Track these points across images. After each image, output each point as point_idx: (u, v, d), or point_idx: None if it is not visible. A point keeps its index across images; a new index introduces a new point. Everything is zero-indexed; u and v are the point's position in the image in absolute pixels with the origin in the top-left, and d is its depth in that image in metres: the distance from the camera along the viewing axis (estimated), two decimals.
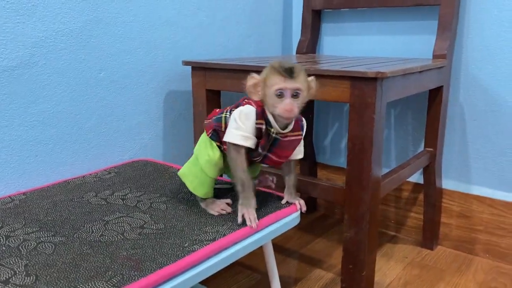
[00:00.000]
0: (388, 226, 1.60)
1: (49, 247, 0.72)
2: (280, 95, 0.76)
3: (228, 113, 0.86)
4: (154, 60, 1.24)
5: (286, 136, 0.82)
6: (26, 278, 0.63)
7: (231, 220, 0.82)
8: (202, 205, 0.89)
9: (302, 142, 0.88)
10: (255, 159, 0.85)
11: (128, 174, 1.07)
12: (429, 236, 1.45)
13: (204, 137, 0.90)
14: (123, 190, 0.97)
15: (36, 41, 0.99)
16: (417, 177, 1.51)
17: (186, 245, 0.73)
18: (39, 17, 0.99)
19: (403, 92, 1.06)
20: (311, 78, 0.81)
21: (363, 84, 0.92)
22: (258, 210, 0.84)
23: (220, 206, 0.87)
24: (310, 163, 1.68)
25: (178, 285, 0.67)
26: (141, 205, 0.89)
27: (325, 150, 1.71)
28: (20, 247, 0.72)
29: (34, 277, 0.63)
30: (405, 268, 1.36)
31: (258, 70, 1.08)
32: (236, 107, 0.84)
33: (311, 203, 1.74)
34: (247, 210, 0.81)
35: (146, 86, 1.24)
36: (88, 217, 0.84)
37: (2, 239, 0.75)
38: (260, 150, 0.82)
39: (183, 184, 1.00)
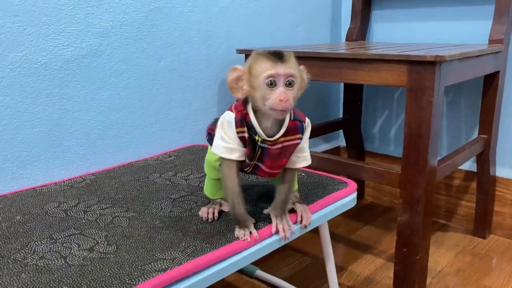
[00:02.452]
0: (438, 214, 1.59)
1: (124, 221, 0.78)
2: (271, 84, 0.64)
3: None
4: (210, 48, 1.29)
5: (276, 143, 0.70)
6: (107, 246, 0.69)
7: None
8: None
9: (305, 147, 0.75)
10: (245, 170, 0.76)
11: (187, 157, 1.12)
12: (482, 225, 1.44)
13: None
14: (185, 172, 1.02)
15: (103, 31, 1.05)
16: (469, 165, 1.49)
17: (253, 222, 0.76)
18: (106, 7, 1.05)
19: (460, 77, 1.06)
20: (302, 67, 0.70)
21: (421, 68, 0.92)
22: (314, 191, 0.87)
23: (207, 211, 0.79)
24: (358, 151, 1.69)
25: (245, 257, 0.71)
26: (203, 185, 0.94)
27: (374, 138, 1.71)
28: (98, 220, 0.78)
29: (115, 246, 0.69)
30: (457, 256, 1.35)
31: (314, 57, 1.11)
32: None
33: (358, 191, 1.75)
34: (245, 231, 0.72)
35: (202, 74, 1.28)
36: (155, 195, 0.89)
37: (81, 213, 0.81)
38: (247, 160, 0.72)
39: None
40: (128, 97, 1.13)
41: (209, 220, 0.77)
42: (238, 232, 0.72)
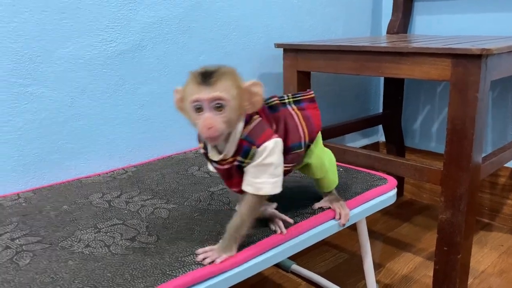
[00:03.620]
0: (482, 213, 1.53)
1: (164, 212, 0.80)
2: (198, 108, 0.59)
3: None
4: (248, 43, 1.29)
5: (224, 163, 0.65)
6: (149, 237, 0.71)
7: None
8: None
9: (254, 172, 0.64)
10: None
11: None
12: None
13: None
14: None
15: (145, 26, 1.07)
16: None
17: (288, 216, 0.76)
18: (148, 3, 1.07)
19: (507, 71, 1.01)
20: (252, 82, 0.62)
21: (466, 62, 0.89)
22: (353, 187, 0.86)
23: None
24: (398, 147, 1.65)
25: (283, 251, 0.71)
26: None
27: (414, 134, 1.67)
28: (139, 211, 0.80)
29: (156, 237, 0.71)
30: (501, 256, 1.31)
31: (354, 51, 1.10)
32: None
33: (398, 188, 1.71)
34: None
35: (241, 69, 1.27)
36: (194, 188, 0.91)
37: (123, 204, 0.84)
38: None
39: None
40: (169, 91, 1.15)
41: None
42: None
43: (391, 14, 1.57)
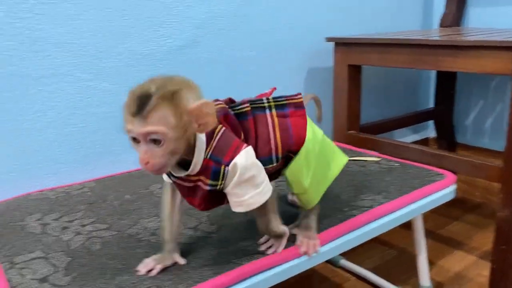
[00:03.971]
0: None
1: None
2: (134, 139, 0.52)
3: None
4: (299, 37, 1.29)
5: (186, 180, 0.58)
6: (210, 226, 0.73)
7: (386, 191, 0.84)
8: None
9: (237, 192, 0.57)
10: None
11: None
12: None
13: None
14: None
15: (200, 22, 1.10)
16: None
17: (345, 210, 0.77)
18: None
19: None
20: (201, 103, 0.52)
21: None
22: (409, 182, 0.85)
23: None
24: (449, 143, 1.62)
25: (341, 245, 0.71)
26: None
27: (466, 130, 1.62)
28: None
29: (217, 226, 0.73)
30: None
31: (408, 44, 1.08)
32: None
33: None
34: (154, 267, 0.60)
35: (291, 63, 1.30)
36: None
37: None
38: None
39: None
40: (221, 86, 1.17)
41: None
42: (146, 261, 0.61)
43: (443, 7, 1.53)
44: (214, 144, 0.56)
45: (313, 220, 0.69)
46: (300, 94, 0.67)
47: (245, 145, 0.58)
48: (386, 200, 0.80)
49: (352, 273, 1.21)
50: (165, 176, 0.62)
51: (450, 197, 0.88)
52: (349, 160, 1.00)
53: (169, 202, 0.63)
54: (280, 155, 0.63)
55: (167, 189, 0.63)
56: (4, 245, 0.69)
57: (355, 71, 1.25)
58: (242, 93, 1.21)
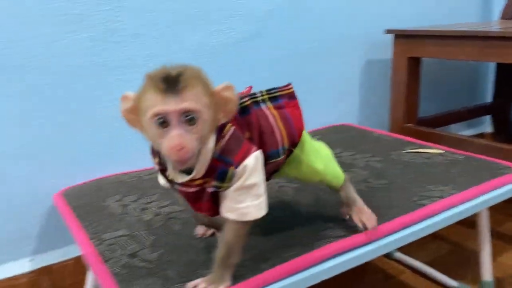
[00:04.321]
0: None
1: (289, 190, 0.84)
2: (162, 123, 0.46)
3: None
4: (358, 29, 1.30)
5: (189, 185, 0.54)
6: (281, 211, 0.75)
7: (454, 182, 0.83)
8: None
9: (235, 197, 0.54)
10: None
11: (334, 136, 1.16)
12: None
13: None
14: (336, 149, 1.05)
15: (263, 14, 1.12)
16: None
17: (415, 199, 0.77)
18: None
19: None
20: (224, 85, 0.50)
21: None
22: (476, 175, 0.84)
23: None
24: (506, 139, 1.57)
25: (413, 233, 0.72)
26: (357, 162, 0.97)
27: None
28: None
29: (290, 212, 0.75)
30: None
31: (470, 36, 1.06)
32: None
33: None
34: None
35: (349, 56, 1.30)
36: None
37: None
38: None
39: (393, 147, 1.05)
40: (280, 77, 1.18)
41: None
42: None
43: None
44: (223, 144, 0.53)
45: (352, 191, 0.68)
46: (290, 84, 0.64)
47: (254, 148, 0.55)
48: (455, 192, 0.79)
49: (407, 266, 1.21)
50: (162, 181, 0.58)
51: None
52: (412, 151, 1.00)
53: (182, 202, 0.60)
54: (286, 146, 0.61)
55: (176, 193, 0.59)
56: (91, 223, 0.74)
57: (414, 64, 1.24)
58: (300, 85, 1.22)
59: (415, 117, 1.29)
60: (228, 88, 0.50)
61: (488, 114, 1.58)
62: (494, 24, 1.26)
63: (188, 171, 0.52)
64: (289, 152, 0.62)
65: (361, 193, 0.80)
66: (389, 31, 1.24)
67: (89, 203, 0.81)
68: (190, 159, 0.47)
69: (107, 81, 0.95)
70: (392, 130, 1.29)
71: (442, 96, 1.56)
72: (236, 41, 1.09)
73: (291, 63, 1.20)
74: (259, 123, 0.58)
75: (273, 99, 0.62)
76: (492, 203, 0.83)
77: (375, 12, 1.32)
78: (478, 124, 1.71)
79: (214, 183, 0.52)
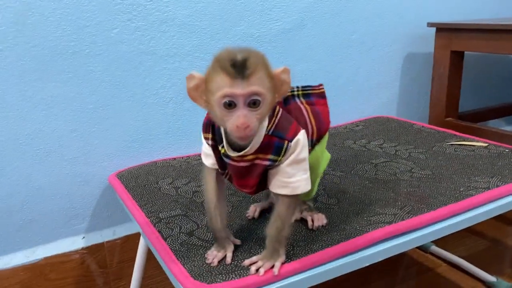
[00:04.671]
0: None
1: (335, 178, 0.86)
2: (229, 104, 0.51)
3: None
4: (399, 22, 1.30)
5: (242, 160, 0.57)
6: (329, 199, 0.77)
7: (500, 174, 0.84)
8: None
9: (289, 171, 0.57)
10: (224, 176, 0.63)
11: (375, 127, 1.16)
12: None
13: None
14: (378, 140, 1.06)
15: (307, 6, 1.14)
16: None
17: (461, 189, 0.78)
18: None
19: None
20: (282, 69, 0.54)
21: None
22: (504, 170, 0.84)
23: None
24: None
25: (458, 223, 0.73)
26: (400, 153, 0.98)
27: None
28: None
29: (336, 199, 0.77)
30: None
31: None
32: None
33: None
34: (216, 254, 0.60)
35: (389, 48, 1.30)
36: (356, 159, 0.95)
37: None
38: (219, 169, 0.61)
39: (435, 139, 1.05)
40: (321, 69, 1.20)
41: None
42: (209, 252, 0.61)
43: None
44: (276, 121, 0.57)
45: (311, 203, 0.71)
46: (321, 85, 0.69)
47: (300, 127, 0.59)
48: (502, 183, 0.80)
49: (443, 259, 1.21)
50: (208, 161, 0.61)
51: None
52: (456, 144, 1.01)
53: (215, 189, 0.61)
54: (314, 140, 0.65)
55: (211, 176, 0.61)
56: (146, 203, 0.77)
57: (457, 58, 1.24)
58: (340, 76, 1.24)
59: (456, 112, 1.28)
60: (285, 71, 0.55)
61: None
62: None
63: (239, 148, 0.56)
64: (312, 147, 0.66)
65: (406, 183, 0.82)
66: (431, 24, 1.24)
67: (143, 184, 0.85)
68: (252, 136, 0.54)
69: (155, 69, 0.99)
70: (432, 123, 1.29)
71: (484, 91, 1.55)
72: (279, 32, 1.11)
73: (333, 54, 1.21)
74: (295, 114, 0.63)
75: (306, 95, 0.67)
76: None
77: (419, 4, 1.32)
78: None
79: (270, 156, 0.57)
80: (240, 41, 1.07)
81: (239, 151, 0.56)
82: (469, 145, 1.00)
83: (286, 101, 0.65)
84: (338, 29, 1.20)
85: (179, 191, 0.82)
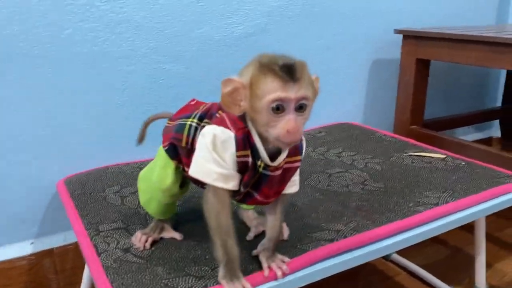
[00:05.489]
0: None
1: None
2: (278, 109, 0.50)
3: (195, 121, 0.61)
4: (367, 28, 1.29)
5: (278, 168, 0.56)
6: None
7: (452, 189, 0.83)
8: (154, 221, 0.69)
9: (298, 170, 0.61)
10: (234, 199, 0.60)
11: (337, 134, 1.15)
12: None
13: (161, 147, 0.66)
14: (337, 148, 1.05)
15: (271, 10, 1.12)
16: None
17: (410, 205, 0.77)
18: None
19: None
20: (315, 77, 0.55)
21: None
22: (477, 182, 0.84)
23: (140, 240, 0.66)
24: None
25: (404, 240, 0.72)
26: (357, 163, 0.97)
27: None
28: None
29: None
30: None
31: (481, 41, 1.05)
32: (208, 114, 0.60)
33: None
34: (235, 285, 0.56)
35: (356, 54, 1.29)
36: (312, 169, 0.94)
37: None
38: (242, 188, 0.57)
39: (395, 149, 1.05)
40: None
41: (145, 249, 0.64)
42: (227, 286, 0.56)
43: None
44: None
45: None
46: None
47: None
48: (452, 199, 0.79)
49: (403, 268, 1.21)
50: (230, 184, 0.55)
51: None
52: (414, 155, 1.00)
53: (230, 217, 0.56)
54: None
55: (227, 201, 0.56)
56: (88, 212, 0.75)
57: (423, 66, 1.23)
58: None
59: (421, 119, 1.28)
60: (317, 80, 0.55)
61: (497, 118, 1.56)
62: (508, 28, 1.24)
63: (274, 157, 0.56)
64: None
65: (357, 196, 0.81)
66: (398, 31, 1.23)
67: (89, 192, 0.83)
68: (297, 141, 0.54)
69: (109, 71, 0.96)
70: (397, 131, 1.29)
71: (451, 99, 1.55)
72: (241, 36, 1.09)
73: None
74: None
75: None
76: (488, 213, 0.83)
77: (386, 11, 1.31)
78: (487, 128, 1.69)
79: (299, 157, 0.59)
80: (200, 44, 1.04)
81: (272, 160, 0.56)
82: (427, 156, 0.99)
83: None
84: (304, 34, 1.18)
85: (124, 201, 0.80)
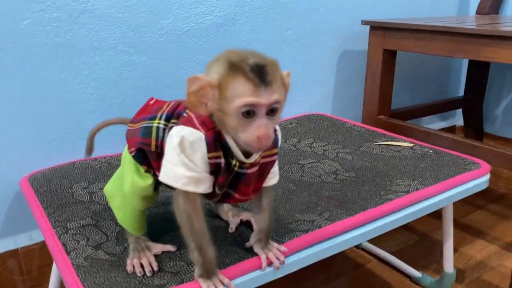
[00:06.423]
0: None
1: None
2: (248, 113, 0.48)
3: (162, 122, 0.57)
4: (335, 19, 1.29)
5: (254, 165, 0.54)
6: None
7: (421, 177, 0.85)
8: (130, 243, 0.62)
9: (276, 162, 0.59)
10: (211, 200, 0.59)
11: (308, 125, 1.16)
12: None
13: (127, 153, 0.62)
14: (308, 139, 1.06)
15: (239, 0, 1.10)
16: None
17: (382, 193, 0.78)
18: None
19: None
20: (286, 73, 0.52)
21: None
22: (444, 169, 0.86)
23: (139, 265, 0.58)
24: (477, 132, 1.61)
25: (377, 228, 0.73)
26: (328, 153, 0.97)
27: (495, 120, 1.61)
28: None
29: None
30: None
31: (445, 31, 1.07)
32: (175, 113, 0.57)
33: None
34: (213, 283, 0.54)
35: (325, 45, 1.30)
36: (285, 160, 0.94)
37: None
38: (217, 190, 0.55)
39: (364, 139, 1.06)
40: None
41: (148, 274, 0.57)
42: (204, 284, 0.54)
43: None
44: None
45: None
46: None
47: None
48: (422, 186, 0.81)
49: (373, 255, 1.23)
50: (201, 188, 0.53)
51: (484, 186, 0.89)
52: (383, 144, 1.01)
53: (203, 219, 0.54)
54: None
55: (200, 204, 0.54)
56: (55, 210, 0.72)
57: (389, 56, 1.25)
58: None
59: (389, 109, 1.30)
60: (289, 74, 0.52)
61: (460, 108, 1.61)
62: (470, 20, 1.27)
63: (249, 155, 0.54)
64: None
65: (329, 185, 0.82)
66: (365, 22, 1.24)
67: (55, 189, 0.80)
68: (268, 146, 0.51)
69: (73, 63, 0.92)
70: (365, 121, 1.30)
71: (416, 89, 1.58)
72: (210, 26, 1.07)
73: (265, 51, 1.18)
74: None
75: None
76: (456, 199, 0.85)
77: (355, 2, 1.32)
78: (451, 117, 1.74)
79: (275, 150, 0.57)
80: (167, 34, 1.02)
81: (247, 157, 0.53)
82: (395, 145, 1.01)
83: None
84: (272, 25, 1.17)
85: (93, 197, 0.77)
